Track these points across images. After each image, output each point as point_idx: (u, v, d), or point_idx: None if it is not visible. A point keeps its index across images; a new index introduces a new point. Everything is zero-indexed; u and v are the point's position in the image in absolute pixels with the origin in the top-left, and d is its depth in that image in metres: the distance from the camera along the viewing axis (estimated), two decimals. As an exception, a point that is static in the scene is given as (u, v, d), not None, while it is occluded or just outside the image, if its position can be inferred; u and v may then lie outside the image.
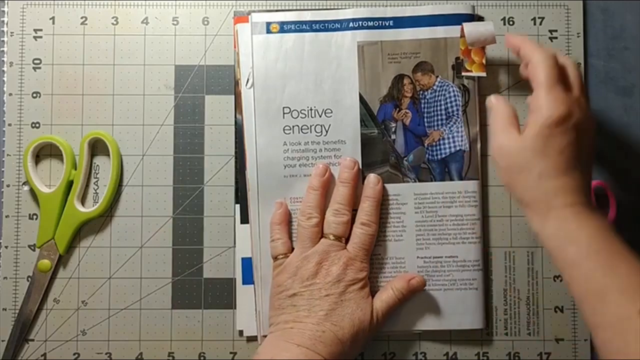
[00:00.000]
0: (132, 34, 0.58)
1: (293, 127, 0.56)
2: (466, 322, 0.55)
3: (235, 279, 0.56)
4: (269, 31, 0.56)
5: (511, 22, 0.58)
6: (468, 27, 0.54)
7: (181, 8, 0.58)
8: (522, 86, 0.58)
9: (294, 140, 0.55)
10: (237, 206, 0.56)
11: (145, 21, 0.58)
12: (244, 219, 0.55)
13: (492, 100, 0.50)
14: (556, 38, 0.58)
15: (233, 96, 0.57)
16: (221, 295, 0.56)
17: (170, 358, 0.56)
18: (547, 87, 0.45)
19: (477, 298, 0.55)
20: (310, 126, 0.56)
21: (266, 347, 0.49)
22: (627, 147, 0.58)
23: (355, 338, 0.50)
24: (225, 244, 0.56)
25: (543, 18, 0.58)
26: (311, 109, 0.56)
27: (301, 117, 0.56)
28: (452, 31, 0.56)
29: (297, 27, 0.56)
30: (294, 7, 0.58)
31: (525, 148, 0.45)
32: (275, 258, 0.53)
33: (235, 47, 0.57)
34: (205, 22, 0.58)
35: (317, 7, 0.58)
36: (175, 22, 0.58)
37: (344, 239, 0.52)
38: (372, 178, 0.54)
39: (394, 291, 0.52)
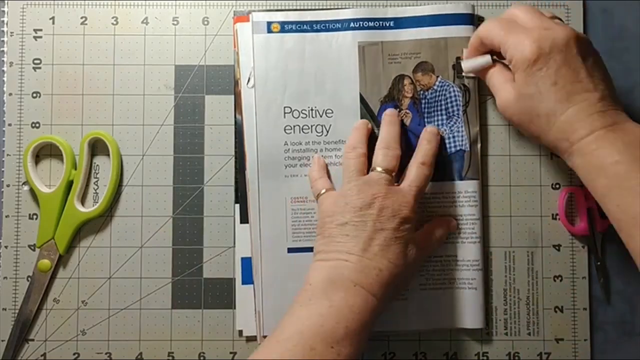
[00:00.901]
0: (132, 34, 0.58)
1: (294, 127, 0.55)
2: (466, 321, 0.55)
3: (235, 279, 0.56)
4: (270, 31, 0.56)
5: (511, 22, 0.58)
6: (466, 63, 0.54)
7: (181, 8, 0.58)
8: (522, 86, 0.58)
9: (295, 140, 0.55)
10: (237, 206, 0.56)
11: (145, 21, 0.58)
12: (244, 219, 0.55)
13: (489, 60, 0.51)
14: (556, 38, 0.58)
15: (233, 96, 0.57)
16: (221, 295, 0.56)
17: (170, 358, 0.56)
18: (505, 35, 0.47)
19: (477, 298, 0.55)
20: (311, 126, 0.56)
21: (317, 278, 0.46)
22: (627, 147, 0.58)
23: (404, 280, 0.49)
24: (225, 244, 0.56)
25: (543, 18, 0.58)
26: (312, 109, 0.56)
27: (302, 117, 0.56)
28: (452, 31, 0.56)
29: (298, 27, 0.56)
30: (294, 7, 0.58)
31: (521, 97, 0.46)
32: (317, 196, 0.52)
33: (235, 47, 0.57)
34: (205, 22, 0.58)
35: (316, 7, 0.58)
36: (175, 22, 0.58)
37: (394, 174, 0.51)
38: (431, 127, 0.55)
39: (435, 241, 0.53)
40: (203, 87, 0.57)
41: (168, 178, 0.57)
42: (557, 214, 0.57)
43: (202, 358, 0.56)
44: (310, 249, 0.53)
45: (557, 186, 0.57)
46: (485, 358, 0.56)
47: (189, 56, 0.58)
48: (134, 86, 0.57)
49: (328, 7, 0.58)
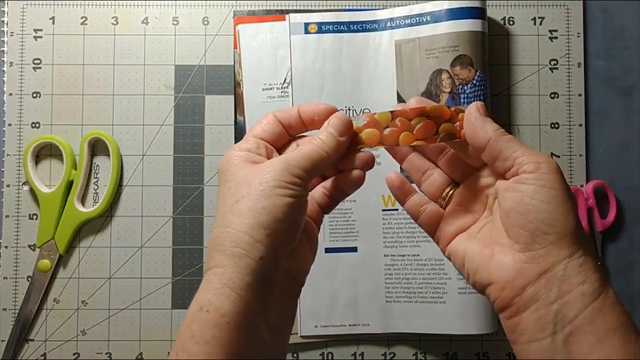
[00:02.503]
0: (132, 34, 0.58)
1: None
2: (476, 326, 0.54)
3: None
4: (307, 32, 0.56)
5: (511, 22, 0.58)
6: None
7: (181, 8, 0.58)
8: (524, 86, 0.58)
9: None
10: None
11: (145, 21, 0.58)
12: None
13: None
14: (556, 38, 0.58)
15: (233, 96, 0.57)
16: (221, 295, 0.56)
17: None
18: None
19: (486, 302, 0.54)
20: None
21: None
22: (627, 147, 0.58)
23: None
24: (225, 244, 0.56)
25: (543, 18, 0.58)
26: (349, 109, 0.56)
27: None
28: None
29: (335, 27, 0.56)
30: (294, 7, 0.58)
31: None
32: None
33: (235, 47, 0.57)
34: (205, 22, 0.58)
35: (321, 8, 0.58)
36: (175, 22, 0.58)
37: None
38: None
39: None
40: (203, 87, 0.57)
41: (168, 178, 0.57)
42: (557, 214, 0.57)
43: (202, 358, 0.56)
44: (346, 249, 0.55)
45: (557, 186, 0.57)
46: (485, 358, 0.56)
47: (189, 56, 0.58)
48: (134, 86, 0.57)
49: (330, 7, 0.58)
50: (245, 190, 0.33)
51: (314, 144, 0.36)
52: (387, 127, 0.37)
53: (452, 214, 0.39)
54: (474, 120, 0.35)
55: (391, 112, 0.37)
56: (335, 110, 0.37)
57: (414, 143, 0.37)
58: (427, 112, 0.36)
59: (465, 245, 0.37)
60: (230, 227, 0.33)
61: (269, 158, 0.36)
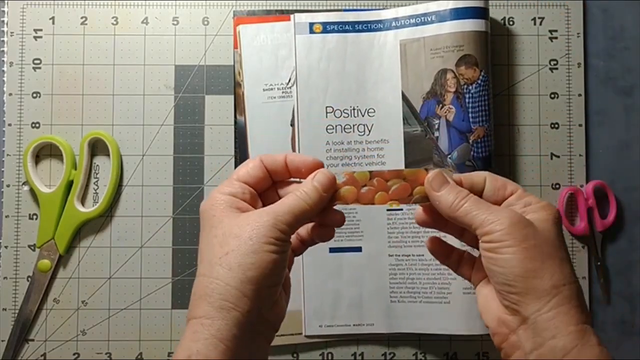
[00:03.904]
0: (132, 34, 0.58)
1: (336, 126, 0.56)
2: (481, 327, 0.53)
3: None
4: (312, 31, 0.56)
5: (511, 22, 0.58)
6: None
7: (181, 8, 0.58)
8: (524, 86, 0.58)
9: (337, 139, 0.55)
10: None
11: (145, 21, 0.58)
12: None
13: None
14: (556, 38, 0.58)
15: (233, 96, 0.57)
16: (221, 295, 0.56)
17: (170, 358, 0.56)
18: (519, 189, 0.38)
19: None
20: (353, 125, 0.56)
21: None
22: (627, 147, 0.58)
23: None
24: (225, 244, 0.56)
25: (543, 18, 0.58)
26: (354, 109, 0.56)
27: (344, 117, 0.56)
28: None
29: (340, 27, 0.56)
30: (294, 7, 0.58)
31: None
32: None
33: (235, 47, 0.57)
34: (205, 22, 0.58)
35: (321, 8, 0.58)
36: (175, 22, 0.58)
37: None
38: None
39: None
40: (203, 87, 0.57)
41: (168, 178, 0.57)
42: (557, 214, 0.57)
43: (202, 358, 0.56)
44: (351, 249, 0.55)
45: (557, 186, 0.57)
46: (485, 358, 0.56)
47: (189, 56, 0.58)
48: (134, 86, 0.57)
49: (329, 7, 0.58)
50: (235, 243, 0.34)
51: (298, 197, 0.36)
52: (365, 185, 0.39)
53: (480, 262, 0.40)
54: (431, 198, 0.38)
55: (370, 172, 0.39)
56: (321, 165, 0.39)
57: (388, 203, 0.38)
58: (403, 174, 0.39)
59: (480, 290, 0.40)
60: (219, 280, 0.34)
61: (252, 204, 0.37)
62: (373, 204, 0.38)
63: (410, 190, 0.38)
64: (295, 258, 0.42)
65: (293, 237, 0.40)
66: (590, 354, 0.33)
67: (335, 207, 0.39)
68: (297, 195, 0.37)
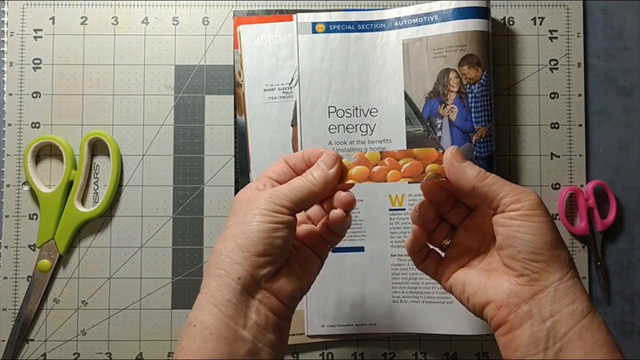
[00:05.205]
0: (132, 34, 0.58)
1: (338, 126, 0.56)
2: (484, 326, 0.53)
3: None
4: (314, 31, 0.56)
5: (511, 22, 0.58)
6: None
7: (181, 8, 0.58)
8: (524, 86, 0.58)
9: (340, 139, 0.55)
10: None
11: (145, 21, 0.58)
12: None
13: None
14: (556, 38, 0.58)
15: (233, 96, 0.57)
16: (221, 295, 0.56)
17: (170, 358, 0.56)
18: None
19: None
20: (356, 125, 0.56)
21: None
22: (627, 147, 0.58)
23: None
24: (225, 244, 0.56)
25: (543, 18, 0.58)
26: (357, 109, 0.56)
27: (347, 117, 0.56)
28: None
29: (343, 27, 0.56)
30: (294, 7, 0.58)
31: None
32: None
33: (236, 47, 0.57)
34: (205, 22, 0.58)
35: (321, 8, 0.58)
36: (175, 22, 0.58)
37: None
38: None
39: None
40: (203, 87, 0.57)
41: (168, 178, 0.57)
42: (557, 214, 0.57)
43: (202, 358, 0.56)
44: (353, 249, 0.55)
45: (557, 186, 0.57)
46: (485, 358, 0.56)
47: (189, 56, 0.58)
48: (134, 86, 0.57)
49: (329, 7, 0.58)
50: (233, 219, 0.38)
51: (302, 176, 0.40)
52: (376, 165, 0.39)
53: (452, 255, 0.42)
54: (454, 169, 0.38)
55: (380, 152, 0.40)
56: (336, 156, 0.41)
57: (401, 180, 0.39)
58: (414, 154, 0.39)
59: (464, 275, 0.41)
60: (217, 252, 0.37)
61: None
62: (385, 181, 0.39)
63: (422, 168, 0.39)
64: None
65: (311, 228, 0.42)
66: (600, 317, 0.36)
67: (348, 191, 0.40)
68: (302, 176, 0.40)
